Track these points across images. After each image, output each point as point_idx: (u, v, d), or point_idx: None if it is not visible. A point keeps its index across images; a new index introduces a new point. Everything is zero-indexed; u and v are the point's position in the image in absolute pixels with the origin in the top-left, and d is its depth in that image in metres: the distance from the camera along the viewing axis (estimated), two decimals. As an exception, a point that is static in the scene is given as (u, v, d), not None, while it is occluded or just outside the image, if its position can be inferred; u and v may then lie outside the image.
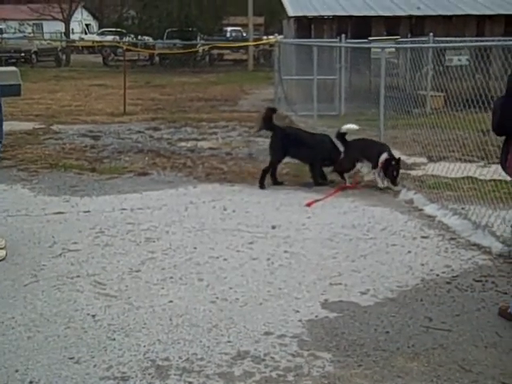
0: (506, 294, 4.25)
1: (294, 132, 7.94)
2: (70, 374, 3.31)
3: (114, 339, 3.66)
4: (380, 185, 7.12)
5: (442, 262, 4.87)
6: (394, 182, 7.04)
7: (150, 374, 3.30)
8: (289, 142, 7.42)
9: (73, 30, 40.80)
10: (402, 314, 3.99)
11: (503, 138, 3.88)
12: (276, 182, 7.42)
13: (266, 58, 30.03)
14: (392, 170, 7.02)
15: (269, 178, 7.40)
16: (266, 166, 7.49)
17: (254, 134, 8.90)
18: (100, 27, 48.61)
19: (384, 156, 7.05)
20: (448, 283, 4.47)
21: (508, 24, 16.64)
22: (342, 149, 7.41)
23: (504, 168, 3.82)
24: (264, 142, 10.41)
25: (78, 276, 4.59)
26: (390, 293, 4.32)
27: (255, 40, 28.44)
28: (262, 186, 7.27)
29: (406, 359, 3.45)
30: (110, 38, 35.10)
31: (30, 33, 40.33)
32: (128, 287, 4.40)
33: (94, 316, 3.95)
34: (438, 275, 4.62)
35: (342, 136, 7.37)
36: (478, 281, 4.50)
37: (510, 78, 3.70)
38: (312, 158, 7.45)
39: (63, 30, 36.42)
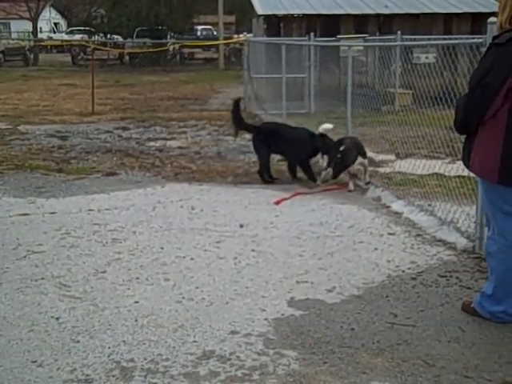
0: (469, 289, 4.31)
1: (272, 127, 7.88)
2: (32, 377, 3.26)
3: (79, 341, 3.62)
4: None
5: (408, 259, 4.92)
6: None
7: (114, 376, 3.27)
8: (269, 138, 7.42)
9: (41, 28, 40.28)
10: (368, 311, 4.01)
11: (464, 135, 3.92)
12: (271, 179, 7.45)
13: (236, 57, 29.99)
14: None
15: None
16: (259, 169, 7.56)
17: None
18: (69, 26, 48.07)
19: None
20: (413, 279, 4.51)
21: (474, 22, 16.86)
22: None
23: (468, 166, 3.85)
24: (233, 140, 10.42)
25: (43, 278, 4.53)
26: (356, 290, 4.34)
27: (226, 39, 28.40)
28: (266, 182, 7.39)
29: (370, 355, 3.47)
30: (78, 36, 34.72)
31: (-3, 32, 39.76)
32: (93, 288, 4.36)
33: (58, 318, 3.91)
34: (403, 271, 4.66)
35: (322, 137, 7.35)
36: (442, 276, 4.55)
37: (472, 76, 3.74)
38: (292, 152, 7.45)
39: (31, 29, 35.93)
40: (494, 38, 3.67)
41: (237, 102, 7.81)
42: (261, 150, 7.54)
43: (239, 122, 7.71)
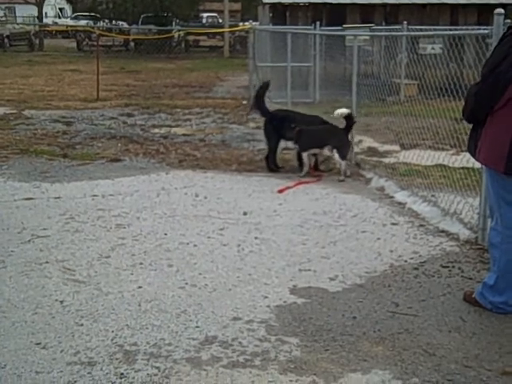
0: (471, 279, 4.33)
1: (285, 115, 7.82)
2: (36, 359, 3.29)
3: (82, 325, 3.65)
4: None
5: (411, 249, 4.93)
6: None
7: (117, 359, 3.30)
8: (282, 125, 7.39)
9: (46, 13, 40.09)
10: (370, 300, 4.03)
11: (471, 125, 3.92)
12: (276, 167, 7.44)
13: (242, 45, 29.86)
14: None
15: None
16: (266, 154, 7.55)
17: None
18: (74, 11, 47.97)
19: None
20: (415, 269, 4.53)
21: (481, 13, 16.78)
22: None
23: (474, 155, 3.85)
24: (238, 128, 10.44)
25: (47, 262, 4.56)
26: (359, 279, 4.36)
27: (231, 26, 28.30)
28: (271, 170, 7.39)
29: (371, 343, 3.50)
30: (83, 22, 34.63)
31: (2, 16, 39.67)
32: (97, 273, 4.39)
33: (62, 302, 3.94)
34: (406, 261, 4.68)
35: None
36: (444, 267, 4.56)
37: (485, 65, 3.74)
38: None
39: (36, 14, 35.82)
40: (509, 28, 3.66)
41: (266, 84, 7.92)
42: (272, 136, 7.52)
43: (258, 102, 7.70)
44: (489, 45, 4.82)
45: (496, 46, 3.72)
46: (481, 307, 3.87)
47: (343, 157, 7.05)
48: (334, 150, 7.03)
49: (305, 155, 7.18)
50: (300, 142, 7.18)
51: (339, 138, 7.11)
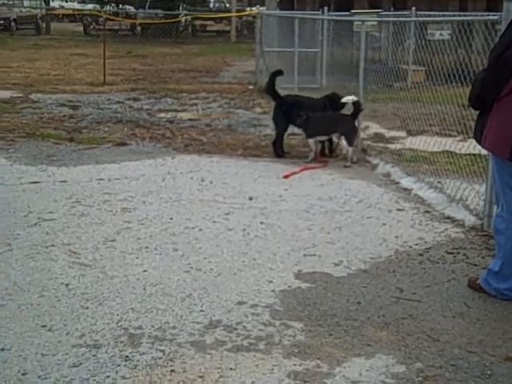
0: (476, 266, 4.32)
1: (295, 100, 7.79)
2: (42, 341, 3.32)
3: (88, 308, 3.68)
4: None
5: (416, 235, 4.93)
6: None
7: (122, 342, 3.32)
8: (291, 110, 7.36)
9: (53, -3, 39.99)
10: (374, 285, 4.04)
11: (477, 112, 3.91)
12: (283, 153, 7.43)
13: (249, 30, 29.74)
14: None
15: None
16: (273, 139, 7.53)
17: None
18: (81, -5, 47.72)
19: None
20: (420, 255, 4.53)
21: (490, 0, 16.63)
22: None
23: (479, 142, 3.84)
24: (244, 113, 10.42)
25: (53, 245, 4.58)
26: (363, 264, 4.36)
27: (238, 11, 28.17)
28: (278, 155, 7.37)
29: (375, 329, 3.51)
30: (90, 6, 34.45)
31: (9, 0, 39.53)
32: (103, 256, 4.40)
33: (67, 285, 3.96)
34: (411, 247, 4.68)
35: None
36: (449, 253, 4.56)
37: (492, 50, 3.71)
38: None
39: (43, -2, 35.74)
40: None
41: (279, 71, 8.06)
42: (280, 121, 7.50)
43: (270, 87, 7.71)
44: (498, 31, 4.78)
45: (503, 32, 3.69)
46: (485, 293, 3.87)
47: (350, 143, 7.03)
48: (342, 137, 7.02)
49: (311, 141, 7.17)
50: (307, 129, 7.17)
51: (346, 124, 7.09)
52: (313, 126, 7.12)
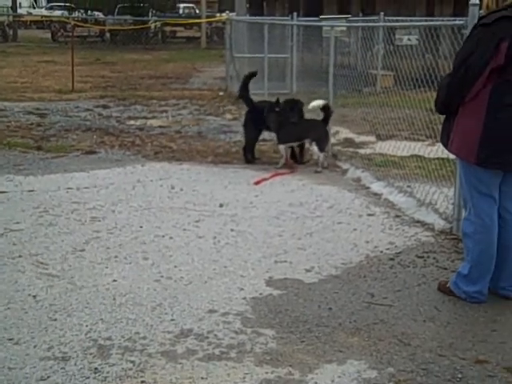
0: (446, 269, 4.35)
1: (267, 106, 7.66)
2: (8, 355, 3.25)
3: (56, 319, 3.61)
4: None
5: (387, 239, 4.95)
6: None
7: (91, 354, 3.27)
8: (262, 116, 7.30)
9: (20, 4, 39.48)
10: (345, 291, 4.04)
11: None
12: (253, 159, 7.40)
13: (219, 36, 29.76)
14: None
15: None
16: (244, 145, 7.51)
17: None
18: (49, 1, 47.32)
19: None
20: (391, 259, 4.55)
21: (457, 4, 16.87)
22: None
23: (446, 146, 3.87)
24: (214, 120, 10.40)
25: (20, 256, 4.50)
26: (335, 270, 4.37)
27: (208, 17, 28.17)
28: (248, 161, 7.33)
29: (347, 334, 3.50)
30: (59, 12, 34.21)
31: (-25, 7, 38.96)
32: (71, 267, 4.34)
33: (35, 296, 3.89)
34: (381, 252, 4.70)
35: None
36: (420, 257, 4.59)
37: (456, 56, 3.75)
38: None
39: (10, 4, 35.28)
40: (480, 18, 3.67)
41: (252, 73, 8.06)
42: (250, 127, 7.48)
43: (242, 91, 7.69)
44: (464, 35, 4.84)
45: (467, 37, 3.73)
46: (455, 297, 3.89)
47: (321, 149, 7.05)
48: (313, 143, 7.04)
49: (282, 147, 7.17)
50: (279, 135, 7.17)
51: (318, 130, 7.11)
52: (285, 132, 7.12)
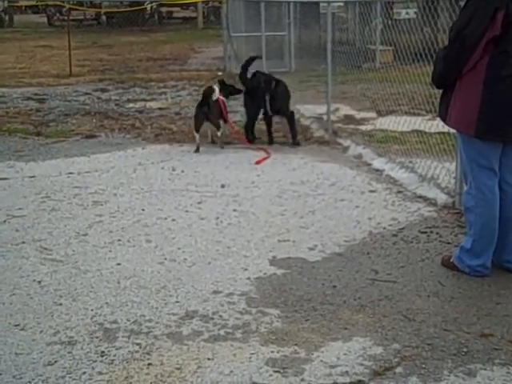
0: (449, 244, 4.35)
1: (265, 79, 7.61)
2: (15, 340, 3.26)
3: (61, 304, 3.63)
4: None
5: (389, 215, 4.95)
6: None
7: (97, 338, 3.29)
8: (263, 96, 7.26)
9: (15, -12, 39.22)
10: (349, 268, 4.05)
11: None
12: (254, 138, 7.36)
13: (216, 16, 29.49)
14: None
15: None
16: (244, 124, 7.43)
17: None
18: (44, -14, 46.89)
19: None
20: (394, 236, 4.55)
21: (455, -24, 16.68)
22: None
23: (445, 120, 3.85)
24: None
25: (23, 242, 4.51)
26: (338, 247, 4.37)
27: (204, -3, 27.90)
28: (250, 141, 7.26)
29: (352, 312, 3.51)
30: (54, -4, 33.92)
31: (-31, -7, 38.68)
32: (75, 251, 4.35)
33: (39, 282, 3.90)
34: (384, 228, 4.69)
35: None
36: (423, 232, 4.59)
37: (452, 28, 3.71)
38: (287, 110, 7.34)
39: (5, -10, 35.02)
40: None
41: (255, 57, 8.01)
42: (250, 106, 7.44)
43: (242, 72, 7.59)
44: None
45: (462, 8, 3.69)
46: (459, 271, 3.90)
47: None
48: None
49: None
50: None
51: None
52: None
